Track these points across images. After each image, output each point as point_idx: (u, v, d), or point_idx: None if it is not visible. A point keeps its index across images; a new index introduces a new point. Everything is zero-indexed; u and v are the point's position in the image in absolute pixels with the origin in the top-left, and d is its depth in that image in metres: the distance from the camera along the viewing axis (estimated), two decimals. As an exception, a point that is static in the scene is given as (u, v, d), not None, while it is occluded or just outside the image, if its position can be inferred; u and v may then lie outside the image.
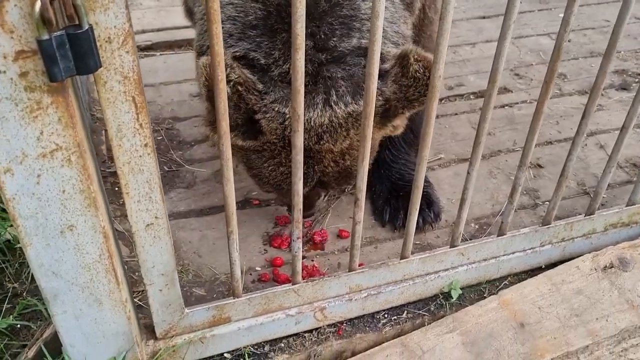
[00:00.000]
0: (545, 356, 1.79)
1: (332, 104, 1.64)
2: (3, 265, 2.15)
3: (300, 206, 1.58)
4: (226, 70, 1.51)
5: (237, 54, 1.65)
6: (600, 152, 2.77)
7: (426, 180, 2.43)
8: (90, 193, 1.25)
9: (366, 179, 1.57)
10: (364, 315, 1.91)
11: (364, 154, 1.50)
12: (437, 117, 2.61)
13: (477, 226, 2.34)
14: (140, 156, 1.29)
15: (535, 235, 1.98)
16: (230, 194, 1.47)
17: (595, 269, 1.99)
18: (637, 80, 3.32)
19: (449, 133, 2.86)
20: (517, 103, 3.12)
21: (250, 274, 2.11)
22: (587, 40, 3.75)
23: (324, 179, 1.83)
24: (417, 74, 1.59)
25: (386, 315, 1.93)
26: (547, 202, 2.47)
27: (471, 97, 3.17)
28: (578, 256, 2.11)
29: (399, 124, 1.84)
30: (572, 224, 2.01)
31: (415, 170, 2.36)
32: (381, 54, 1.63)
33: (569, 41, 3.72)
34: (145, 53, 3.41)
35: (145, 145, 1.27)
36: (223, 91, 1.29)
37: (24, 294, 2.28)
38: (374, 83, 1.38)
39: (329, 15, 1.65)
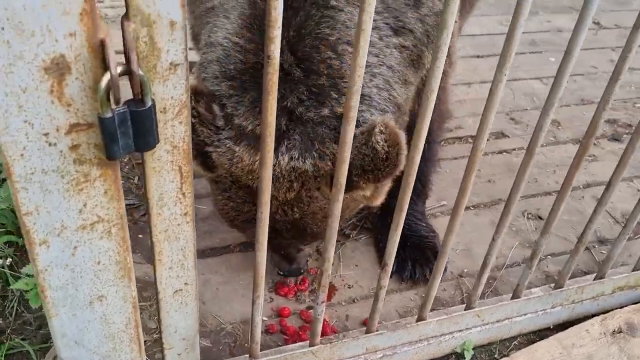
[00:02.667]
0: (558, 423, 1.78)
1: (279, 154, 1.59)
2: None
3: (329, 272, 1.53)
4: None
5: (217, 94, 1.62)
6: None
7: (431, 230, 2.42)
8: (126, 264, 1.18)
9: (334, 243, 1.50)
10: (376, 375, 1.87)
11: (332, 217, 1.41)
12: (438, 160, 2.61)
13: (482, 280, 2.33)
14: (179, 224, 1.22)
15: (548, 298, 1.98)
16: (262, 260, 1.41)
17: (604, 334, 2.00)
18: (627, 131, 3.39)
19: (450, 179, 2.86)
20: (515, 149, 3.15)
21: (257, 325, 2.04)
22: (577, 87, 3.82)
23: (275, 225, 1.74)
24: (377, 145, 1.50)
25: (399, 376, 1.89)
26: (549, 256, 2.50)
27: (469, 140, 3.18)
28: (585, 317, 2.13)
29: (370, 196, 1.74)
30: (583, 288, 2.02)
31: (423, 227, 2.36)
32: (358, 120, 1.57)
33: (560, 86, 3.79)
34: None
35: (185, 214, 1.21)
36: (269, 167, 1.24)
37: (8, 331, 2.16)
38: (346, 151, 1.31)
39: (301, 83, 1.59)
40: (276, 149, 1.58)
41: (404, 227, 2.33)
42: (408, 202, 1.50)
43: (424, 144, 2.18)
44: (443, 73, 2.14)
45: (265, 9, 1.61)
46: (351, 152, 1.54)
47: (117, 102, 0.91)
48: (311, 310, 2.10)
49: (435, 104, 2.13)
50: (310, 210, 1.66)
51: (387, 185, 1.70)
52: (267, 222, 1.35)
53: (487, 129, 1.45)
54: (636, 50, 1.52)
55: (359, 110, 1.64)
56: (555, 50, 4.17)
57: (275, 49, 1.08)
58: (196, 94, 1.54)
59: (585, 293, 2.04)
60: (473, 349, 1.95)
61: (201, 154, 1.62)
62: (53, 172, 0.99)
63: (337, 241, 2.40)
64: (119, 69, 0.90)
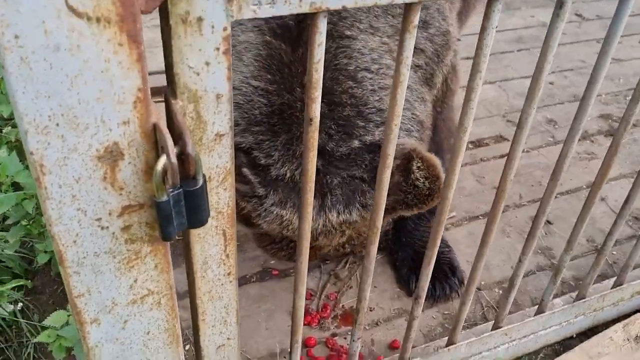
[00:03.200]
0: None
1: (327, 210, 1.62)
2: (2, 345, 2.01)
3: (365, 310, 1.53)
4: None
5: (242, 146, 1.60)
6: (602, 205, 2.85)
7: (446, 245, 2.43)
8: (175, 331, 1.16)
9: (370, 283, 1.49)
10: (410, 400, 1.88)
11: (370, 245, 1.40)
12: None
13: (500, 291, 2.35)
14: (222, 284, 1.21)
15: (571, 310, 2.01)
16: (300, 308, 1.41)
17: (628, 339, 2.03)
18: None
19: (456, 188, 2.86)
20: (515, 152, 3.16)
21: (284, 357, 2.03)
22: (568, 83, 3.86)
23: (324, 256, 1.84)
24: (418, 182, 1.53)
25: (431, 400, 1.90)
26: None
27: (470, 146, 3.20)
28: (606, 323, 2.16)
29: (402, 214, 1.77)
30: (605, 296, 2.05)
31: (453, 251, 2.36)
32: None
33: (551, 83, 3.83)
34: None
35: (229, 274, 1.20)
36: (308, 214, 1.23)
37: (28, 381, 2.13)
38: (384, 190, 1.29)
39: (327, 118, 1.60)
40: (322, 205, 1.61)
41: (418, 244, 2.37)
42: (440, 236, 1.50)
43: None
44: (451, 91, 2.16)
45: (280, 48, 1.61)
46: (391, 189, 1.55)
47: (174, 185, 0.89)
48: (336, 338, 2.10)
49: (444, 121, 2.17)
50: (359, 241, 1.75)
51: None
52: (306, 273, 1.34)
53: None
54: (618, 42, 1.49)
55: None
56: (543, 47, 4.20)
57: (316, 109, 1.07)
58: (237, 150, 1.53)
59: (606, 301, 2.07)
60: (501, 365, 1.97)
61: (246, 222, 1.64)
62: (105, 253, 0.97)
63: (353, 262, 2.41)
64: (176, 149, 0.89)
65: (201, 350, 1.31)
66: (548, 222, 2.72)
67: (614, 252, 2.57)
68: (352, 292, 2.29)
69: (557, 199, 2.87)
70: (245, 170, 1.55)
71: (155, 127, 0.88)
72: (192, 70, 0.90)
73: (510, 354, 1.98)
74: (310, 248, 1.71)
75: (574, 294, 2.06)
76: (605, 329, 2.12)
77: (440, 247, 2.37)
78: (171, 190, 0.91)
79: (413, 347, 1.90)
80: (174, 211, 0.92)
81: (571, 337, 2.12)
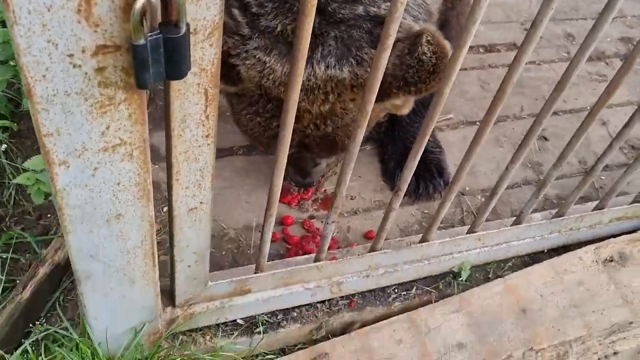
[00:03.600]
0: (542, 343, 1.88)
1: (314, 62, 1.49)
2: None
3: (343, 194, 1.51)
4: None
5: None
6: (602, 129, 2.79)
7: (437, 145, 2.40)
8: (146, 185, 1.14)
9: (352, 167, 1.47)
10: (375, 288, 1.93)
11: (357, 128, 1.35)
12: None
13: (483, 198, 2.35)
14: (200, 146, 1.18)
15: (547, 225, 2.01)
16: (279, 181, 1.39)
17: (597, 262, 2.06)
18: (641, 51, 3.30)
19: (458, 90, 2.79)
20: (526, 63, 3.04)
21: (259, 231, 2.05)
22: (596, -1, 3.65)
23: (305, 140, 1.70)
24: (424, 56, 1.45)
25: (396, 290, 1.95)
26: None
27: (480, 50, 3.07)
28: (579, 243, 2.18)
29: (400, 105, 1.70)
30: (583, 217, 2.05)
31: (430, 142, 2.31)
32: None
33: (578, -4, 3.62)
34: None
35: (207, 136, 1.16)
36: (293, 109, 1.18)
37: (7, 220, 2.16)
38: (384, 58, 1.20)
39: None
40: (310, 57, 1.49)
41: (409, 140, 2.33)
42: (430, 131, 1.45)
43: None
44: None
45: None
46: (391, 62, 1.48)
47: (153, 29, 0.82)
48: (313, 220, 2.12)
49: (457, 17, 2.05)
50: (344, 122, 1.61)
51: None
52: (289, 142, 1.30)
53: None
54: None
55: None
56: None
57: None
58: None
59: (584, 222, 2.07)
60: (469, 268, 2.00)
61: (225, 66, 1.53)
62: (76, 94, 0.93)
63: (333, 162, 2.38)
64: (156, -10, 0.81)
65: (173, 210, 1.30)
66: (544, 137, 2.67)
67: (603, 177, 2.55)
68: (335, 178, 2.28)
69: (559, 117, 2.81)
70: (234, 9, 1.46)
71: (137, -40, 0.80)
72: None
73: (481, 259, 2.01)
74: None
75: (554, 211, 2.06)
76: (578, 249, 2.15)
77: (430, 146, 2.37)
78: (150, 34, 0.84)
79: (387, 239, 1.92)
80: (152, 58, 0.86)
81: (542, 252, 2.15)
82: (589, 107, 2.87)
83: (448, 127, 2.62)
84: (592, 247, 2.10)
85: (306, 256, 1.78)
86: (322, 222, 2.13)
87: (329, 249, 1.95)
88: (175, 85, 1.03)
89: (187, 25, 0.88)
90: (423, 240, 1.84)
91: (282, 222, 2.09)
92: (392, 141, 2.32)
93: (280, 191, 1.43)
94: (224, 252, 1.97)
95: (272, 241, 2.00)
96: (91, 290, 1.34)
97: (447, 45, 1.44)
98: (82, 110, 0.95)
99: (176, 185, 1.24)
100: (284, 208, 2.14)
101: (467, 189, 2.38)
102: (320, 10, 1.46)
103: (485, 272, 2.07)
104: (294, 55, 1.11)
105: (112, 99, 0.95)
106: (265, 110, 1.60)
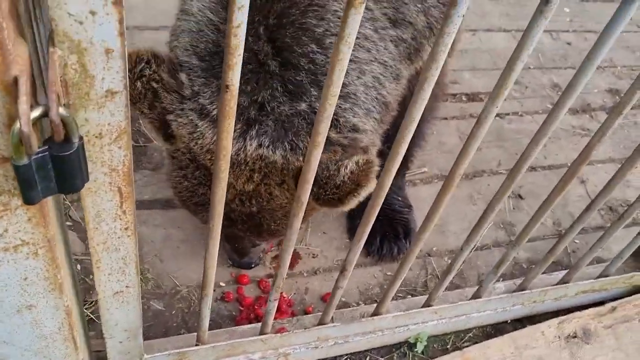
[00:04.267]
0: None
1: (247, 138, 1.44)
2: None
3: (284, 275, 1.46)
4: (140, 64, 1.36)
5: (185, 65, 1.46)
6: (581, 188, 2.73)
7: (406, 205, 2.35)
8: (57, 280, 1.09)
9: (291, 252, 1.42)
10: (326, 358, 1.87)
11: (293, 217, 1.31)
12: (434, 124, 2.47)
13: (449, 260, 2.28)
14: (119, 237, 1.13)
15: (509, 299, 1.95)
16: (213, 262, 1.34)
17: (559, 337, 2.00)
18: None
19: (436, 141, 2.74)
20: (508, 114, 3.00)
21: (214, 290, 2.00)
22: (587, 46, 3.59)
23: (231, 215, 1.61)
24: (343, 169, 1.40)
25: (348, 360, 1.89)
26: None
27: (463, 98, 3.03)
28: (543, 314, 2.12)
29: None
30: (547, 291, 1.99)
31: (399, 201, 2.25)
32: (337, 121, 1.46)
33: (568, 44, 3.58)
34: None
35: (126, 229, 1.11)
36: (223, 180, 1.13)
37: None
38: (315, 156, 1.14)
39: (276, 77, 1.43)
40: (245, 132, 1.45)
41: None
42: (378, 210, 1.39)
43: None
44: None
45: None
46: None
47: (32, 151, 0.78)
48: (270, 280, 2.06)
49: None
50: (269, 206, 1.54)
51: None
52: (219, 229, 1.26)
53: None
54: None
55: (342, 109, 1.51)
56: None
57: (234, 77, 0.93)
58: (156, 58, 1.38)
59: (547, 295, 2.01)
60: (426, 339, 1.94)
61: (162, 122, 1.49)
62: (-34, 201, 0.88)
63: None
64: (37, 113, 0.76)
65: (98, 294, 1.26)
66: (519, 196, 2.61)
67: (577, 241, 2.49)
68: (299, 234, 2.22)
69: (537, 173, 2.75)
70: (182, 74, 1.43)
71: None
72: (73, 18, 0.76)
73: (439, 329, 1.96)
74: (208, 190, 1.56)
75: (518, 281, 2.00)
76: (543, 320, 2.08)
77: (398, 205, 2.31)
78: (36, 152, 0.79)
79: (341, 307, 1.87)
80: (38, 175, 0.82)
81: (505, 322, 2.09)
82: (568, 163, 2.81)
83: (421, 182, 2.57)
84: (555, 321, 2.04)
85: (252, 325, 1.72)
86: (279, 281, 2.07)
87: (282, 314, 1.91)
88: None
89: (80, 139, 0.83)
90: (376, 313, 1.78)
91: (237, 280, 2.03)
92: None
93: (214, 269, 1.37)
94: (173, 312, 1.92)
95: (225, 301, 1.97)
96: (10, 371, 1.29)
97: (371, 179, 1.40)
98: (-25, 215, 0.90)
99: (98, 272, 1.19)
100: (241, 265, 2.09)
101: (434, 249, 2.32)
102: (259, 105, 1.42)
103: (444, 343, 2.01)
104: (216, 159, 1.06)
105: (7, 204, 0.91)
106: (194, 176, 1.54)
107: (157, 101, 1.42)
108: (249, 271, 2.06)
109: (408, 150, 2.21)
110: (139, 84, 1.36)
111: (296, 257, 2.15)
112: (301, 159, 1.45)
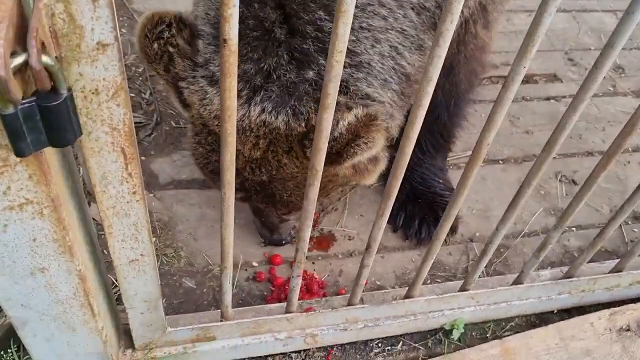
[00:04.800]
0: (537, 418, 1.71)
1: (252, 104, 1.40)
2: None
3: (305, 249, 1.42)
4: (160, 25, 1.34)
5: (201, 33, 1.44)
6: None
7: (448, 188, 2.25)
8: (66, 242, 1.09)
9: (310, 224, 1.35)
10: (356, 341, 1.81)
11: (309, 186, 1.24)
12: (474, 102, 2.36)
13: (493, 247, 2.18)
14: (128, 202, 1.12)
15: (554, 287, 1.83)
16: (229, 235, 1.31)
17: (610, 329, 1.85)
18: (701, 87, 2.99)
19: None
20: (565, 97, 2.83)
21: (246, 270, 1.99)
22: (656, 26, 3.35)
23: (245, 184, 1.58)
24: (342, 121, 1.35)
25: (380, 345, 1.83)
26: (574, 228, 2.30)
27: (516, 80, 2.87)
28: (594, 305, 1.98)
29: (351, 175, 1.58)
30: (597, 280, 1.85)
31: (440, 183, 2.16)
32: (348, 88, 1.40)
33: (636, 23, 3.34)
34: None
35: (134, 193, 1.10)
36: (231, 145, 1.09)
37: None
38: (326, 119, 1.09)
39: (282, 44, 1.38)
40: (250, 99, 1.42)
41: (417, 180, 2.21)
42: (395, 194, 1.33)
43: (451, 99, 1.98)
44: (473, 35, 1.81)
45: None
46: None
47: (16, 100, 0.76)
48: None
49: (467, 59, 1.89)
50: (279, 175, 1.50)
51: (373, 165, 1.53)
52: (233, 203, 1.23)
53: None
54: None
55: (354, 78, 1.44)
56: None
57: (230, 29, 0.89)
58: (179, 22, 1.37)
59: (598, 284, 1.87)
60: (465, 325, 1.85)
61: (176, 88, 1.48)
62: (-34, 156, 0.88)
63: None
64: (19, 60, 0.75)
65: (114, 261, 1.26)
66: (573, 181, 2.46)
67: (635, 230, 2.32)
68: (335, 216, 2.18)
69: (595, 158, 2.58)
70: (199, 40, 1.41)
71: None
72: (55, -37, 0.74)
73: (477, 317, 1.86)
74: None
75: (566, 269, 1.87)
76: (594, 311, 1.94)
77: (439, 188, 2.23)
78: (22, 103, 0.78)
79: (377, 289, 1.81)
80: (26, 126, 0.81)
81: (552, 312, 1.96)
82: (630, 149, 2.63)
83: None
84: (607, 312, 1.89)
85: (279, 304, 1.69)
86: (313, 263, 2.03)
87: (313, 294, 1.87)
88: (86, 143, 0.98)
89: (69, 90, 0.82)
90: (408, 295, 1.71)
91: (270, 260, 2.01)
92: (397, 180, 2.19)
93: (231, 240, 1.34)
94: (205, 290, 1.91)
95: (257, 281, 1.95)
96: (31, 336, 1.31)
97: (375, 135, 1.36)
98: (-24, 170, 0.91)
99: (111, 238, 1.19)
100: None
101: (477, 234, 2.21)
102: (265, 73, 1.38)
103: (483, 331, 1.90)
104: (222, 103, 1.02)
105: (6, 160, 0.91)
106: (207, 142, 1.53)
107: (171, 65, 1.42)
108: (281, 251, 2.03)
109: (448, 130, 2.15)
110: (155, 45, 1.35)
111: (331, 238, 2.11)
112: (303, 124, 1.41)
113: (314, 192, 1.25)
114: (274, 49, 1.38)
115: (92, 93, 0.91)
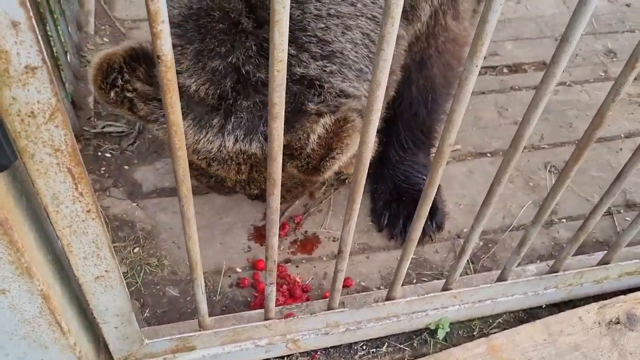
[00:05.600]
0: (525, 416, 1.69)
1: (225, 133, 1.40)
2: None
3: (275, 257, 1.40)
4: (111, 73, 1.31)
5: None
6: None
7: (434, 183, 2.22)
8: (22, 264, 1.09)
9: (276, 233, 1.33)
10: (340, 344, 1.80)
11: (269, 195, 1.22)
12: (444, 111, 2.33)
13: (481, 242, 2.15)
14: (83, 220, 1.11)
15: (539, 282, 1.80)
16: (194, 248, 1.30)
17: (599, 323, 1.82)
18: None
19: (471, 117, 2.58)
20: (556, 85, 2.77)
21: (229, 276, 1.98)
22: (646, 7, 3.29)
23: (242, 193, 1.62)
24: (311, 134, 1.34)
25: (364, 347, 1.81)
26: (563, 220, 2.27)
27: (504, 70, 2.84)
28: (584, 299, 1.95)
29: (332, 175, 1.60)
30: (583, 273, 1.82)
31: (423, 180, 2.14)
32: (322, 87, 1.38)
33: (627, 6, 3.29)
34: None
35: (88, 211, 1.09)
36: (182, 158, 1.08)
37: None
38: (275, 129, 1.06)
39: (250, 36, 1.36)
40: (222, 127, 1.42)
41: (400, 179, 2.18)
42: (359, 201, 1.31)
43: (428, 94, 1.95)
44: (443, 27, 1.77)
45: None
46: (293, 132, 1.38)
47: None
48: (288, 265, 2.01)
49: (439, 53, 1.86)
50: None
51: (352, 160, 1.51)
52: (193, 216, 1.22)
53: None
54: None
55: (327, 72, 1.42)
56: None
57: (163, 45, 0.88)
58: (130, 63, 1.34)
59: (585, 277, 1.84)
60: (450, 324, 1.83)
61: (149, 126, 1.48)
62: None
63: (331, 185, 2.26)
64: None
65: (78, 279, 1.26)
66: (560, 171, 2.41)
67: (628, 218, 2.28)
68: (319, 217, 2.17)
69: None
70: (151, 72, 1.39)
71: None
72: (-32, -9, 0.73)
73: (463, 315, 1.84)
74: (212, 178, 1.56)
75: (551, 263, 1.84)
76: (583, 305, 1.91)
77: (424, 184, 2.19)
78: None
79: (362, 292, 1.80)
80: (-45, 154, 0.80)
81: (540, 307, 1.94)
82: (622, 135, 2.59)
83: (454, 159, 2.43)
84: (595, 305, 1.86)
85: (259, 311, 1.68)
86: (297, 267, 2.02)
87: (296, 299, 1.86)
88: (31, 165, 0.97)
89: (-2, 118, 0.81)
90: (388, 297, 1.69)
91: (254, 266, 2.00)
92: (381, 179, 2.17)
93: (197, 251, 1.34)
94: (188, 298, 1.91)
95: (241, 287, 1.95)
96: (3, 355, 1.32)
97: (347, 142, 1.34)
98: None
99: (72, 256, 1.19)
100: (258, 250, 2.05)
101: (464, 230, 2.19)
102: (235, 69, 1.36)
103: (469, 329, 1.88)
104: (169, 129, 1.02)
105: (-54, 187, 0.90)
106: (192, 169, 1.52)
107: (135, 109, 1.41)
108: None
109: (427, 126, 2.12)
110: (112, 94, 1.34)
111: (315, 241, 2.09)
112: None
113: (275, 201, 1.24)
114: (241, 41, 1.35)
115: (29, 116, 0.90)
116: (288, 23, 0.91)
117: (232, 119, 1.38)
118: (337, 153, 1.33)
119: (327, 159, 1.33)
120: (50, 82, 0.87)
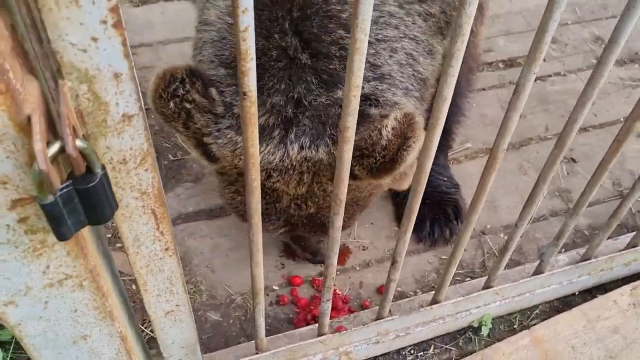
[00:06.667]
0: (576, 402, 1.74)
1: (288, 143, 1.41)
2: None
3: (334, 274, 1.43)
4: (173, 83, 1.31)
5: (213, 79, 1.43)
6: (638, 142, 2.58)
7: (453, 184, 2.27)
8: (105, 308, 1.09)
9: (337, 251, 1.35)
10: (389, 351, 1.83)
11: (334, 215, 1.25)
12: (463, 112, 2.38)
13: (506, 237, 2.20)
14: (161, 259, 1.12)
15: (574, 271, 1.86)
16: (259, 274, 1.32)
17: (634, 305, 1.89)
18: (680, 48, 3.05)
19: (477, 114, 2.64)
20: (550, 76, 2.86)
21: (267, 294, 1.99)
22: (627, -7, 3.40)
23: (291, 220, 1.60)
24: (384, 129, 1.33)
25: (412, 351, 1.85)
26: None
27: (500, 65, 2.91)
28: (614, 282, 2.02)
29: (392, 182, 1.59)
30: (614, 258, 1.88)
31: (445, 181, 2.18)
32: (377, 100, 1.41)
33: (607, -7, 3.39)
34: (138, 1, 3.06)
35: (167, 249, 1.10)
36: (257, 189, 1.10)
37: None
38: (346, 151, 1.10)
39: (309, 70, 1.38)
40: (284, 137, 1.42)
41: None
42: (417, 212, 1.34)
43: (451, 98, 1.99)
44: (472, 33, 1.84)
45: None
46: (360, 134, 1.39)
47: (55, 188, 0.76)
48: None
49: (465, 58, 1.90)
50: (326, 204, 1.51)
51: (410, 168, 1.54)
52: (260, 243, 1.24)
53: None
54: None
55: (380, 90, 1.46)
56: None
57: (249, 81, 0.90)
58: (191, 76, 1.35)
59: (615, 262, 1.91)
60: (490, 321, 1.87)
61: (201, 145, 1.46)
62: (4, 244, 0.88)
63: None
64: (54, 149, 0.75)
65: (150, 316, 1.26)
66: (572, 159, 2.49)
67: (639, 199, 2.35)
68: (354, 229, 2.19)
69: (589, 133, 2.62)
70: (212, 90, 1.39)
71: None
72: (76, 48, 0.74)
73: (503, 310, 1.89)
74: (268, 200, 1.54)
75: (581, 251, 1.90)
76: (614, 287, 1.98)
77: (445, 185, 2.24)
78: (60, 189, 0.78)
79: (398, 297, 1.82)
80: (66, 210, 0.80)
81: (573, 294, 2.00)
82: (622, 119, 2.67)
83: (466, 158, 2.48)
84: (627, 287, 1.93)
85: (309, 327, 1.70)
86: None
87: (339, 312, 1.88)
88: (117, 211, 0.98)
89: (103, 168, 0.82)
90: (434, 301, 1.72)
91: (290, 282, 2.01)
92: (403, 184, 2.20)
93: (262, 277, 1.35)
94: (231, 321, 1.91)
95: (281, 304, 1.96)
96: (77, 400, 1.31)
97: (418, 130, 1.33)
98: (15, 257, 0.90)
99: (146, 294, 1.19)
100: (291, 266, 2.07)
101: (488, 226, 2.24)
102: (295, 101, 1.38)
103: (510, 323, 1.93)
104: (244, 144, 1.02)
105: (44, 242, 0.90)
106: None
107: (190, 121, 1.40)
108: (302, 270, 2.04)
109: (448, 128, 2.16)
110: (171, 104, 1.33)
111: (346, 251, 2.12)
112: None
113: (339, 220, 1.26)
114: (300, 75, 1.38)
115: (120, 163, 0.91)
116: (366, 51, 0.94)
117: (294, 129, 1.39)
118: (413, 141, 1.33)
119: (405, 147, 1.33)
120: (144, 129, 0.88)
